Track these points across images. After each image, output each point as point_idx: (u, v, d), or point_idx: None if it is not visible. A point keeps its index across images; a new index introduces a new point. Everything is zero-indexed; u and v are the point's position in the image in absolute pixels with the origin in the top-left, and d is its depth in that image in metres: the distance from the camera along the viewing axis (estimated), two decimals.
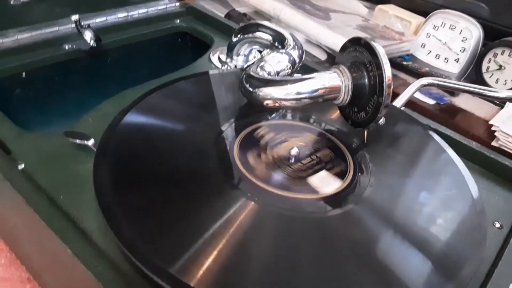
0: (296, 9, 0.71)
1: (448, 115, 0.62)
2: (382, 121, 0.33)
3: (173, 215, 0.28)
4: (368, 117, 0.33)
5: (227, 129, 0.35)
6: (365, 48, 0.32)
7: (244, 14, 0.75)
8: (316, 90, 0.33)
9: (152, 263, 0.25)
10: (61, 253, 0.27)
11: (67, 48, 0.45)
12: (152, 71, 0.44)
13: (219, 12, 0.74)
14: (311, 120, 0.38)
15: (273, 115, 0.38)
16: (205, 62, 0.46)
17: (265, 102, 0.33)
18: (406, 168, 0.35)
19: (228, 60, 0.45)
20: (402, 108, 0.42)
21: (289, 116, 0.38)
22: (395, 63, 0.71)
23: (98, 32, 0.45)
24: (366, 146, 0.35)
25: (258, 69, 0.35)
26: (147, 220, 0.28)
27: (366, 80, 0.32)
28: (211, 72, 0.42)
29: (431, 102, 0.63)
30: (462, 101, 0.63)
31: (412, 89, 0.42)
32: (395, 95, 0.44)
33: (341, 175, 0.33)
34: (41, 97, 0.44)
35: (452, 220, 0.30)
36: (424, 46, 0.72)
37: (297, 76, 0.34)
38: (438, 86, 0.42)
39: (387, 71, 0.31)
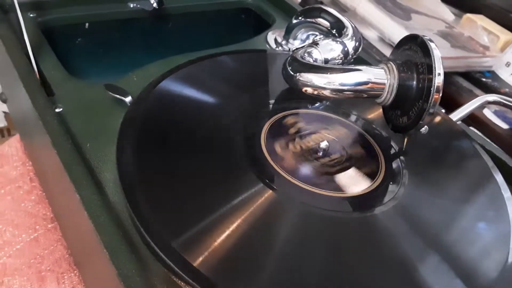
0: (375, 4, 0.67)
1: None
2: (424, 129, 0.30)
3: (187, 188, 0.28)
4: (409, 122, 0.30)
5: (261, 111, 0.34)
6: (420, 48, 0.29)
7: (321, 2, 0.73)
8: (360, 84, 0.31)
9: (155, 231, 0.24)
10: (72, 198, 0.28)
11: (131, 6, 0.46)
12: (209, 42, 0.43)
13: None
14: (351, 116, 0.36)
15: (315, 105, 0.36)
16: (260, 41, 0.45)
17: (304, 89, 0.32)
18: (443, 186, 0.32)
19: (284, 42, 0.43)
20: (458, 123, 0.38)
21: (329, 108, 0.36)
22: (473, 78, 0.65)
23: None
24: (404, 154, 0.33)
25: (306, 54, 0.34)
26: (161, 187, 0.28)
27: (414, 82, 0.29)
28: (261, 50, 0.41)
29: (504, 126, 0.58)
30: None
31: (475, 104, 0.39)
32: (457, 107, 0.41)
33: (369, 178, 0.31)
34: (99, 49, 0.46)
35: (478, 251, 0.27)
36: (509, 65, 0.66)
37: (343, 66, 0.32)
38: (505, 105, 0.38)
39: (439, 76, 0.28)
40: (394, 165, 0.32)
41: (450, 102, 0.59)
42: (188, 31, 0.49)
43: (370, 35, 0.67)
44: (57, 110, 0.34)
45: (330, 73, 0.31)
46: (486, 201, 0.32)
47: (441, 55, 0.49)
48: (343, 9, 0.70)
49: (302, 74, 0.31)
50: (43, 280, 0.34)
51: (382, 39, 0.65)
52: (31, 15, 0.42)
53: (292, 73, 0.32)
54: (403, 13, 0.69)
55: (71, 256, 0.36)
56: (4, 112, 0.80)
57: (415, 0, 0.75)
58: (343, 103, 0.36)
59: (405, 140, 0.32)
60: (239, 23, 0.53)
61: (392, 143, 0.34)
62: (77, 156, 0.30)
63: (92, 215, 0.26)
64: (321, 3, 0.73)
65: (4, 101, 0.44)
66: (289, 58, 0.33)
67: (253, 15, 0.52)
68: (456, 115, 0.38)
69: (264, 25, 0.49)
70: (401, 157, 0.33)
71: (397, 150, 0.33)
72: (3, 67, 0.42)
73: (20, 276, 0.34)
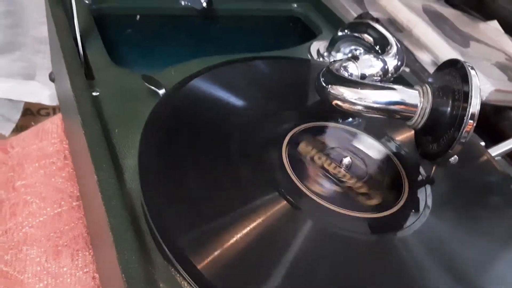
0: (433, 27, 0.65)
1: None
2: (454, 159, 0.29)
3: (202, 191, 0.28)
4: (438, 150, 0.29)
5: (287, 119, 0.34)
6: (459, 73, 0.28)
7: (377, 20, 0.71)
8: (391, 103, 0.30)
9: (165, 230, 0.25)
10: (91, 179, 0.29)
11: (183, 3, 0.47)
12: (254, 47, 0.44)
13: (353, 11, 0.71)
14: (380, 136, 0.35)
15: (345, 120, 0.36)
16: (303, 50, 0.44)
17: (334, 102, 0.31)
18: (469, 226, 0.30)
19: (326, 54, 0.43)
20: (497, 158, 0.36)
21: (358, 125, 0.35)
22: None
23: None
24: (431, 183, 0.31)
25: (341, 67, 0.33)
26: (176, 185, 0.28)
27: (449, 109, 0.28)
28: (297, 59, 0.41)
29: None
30: None
31: None
32: (499, 141, 0.39)
33: (390, 203, 0.30)
34: (146, 42, 0.47)
35: None
36: None
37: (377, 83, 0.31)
38: None
39: (474, 105, 0.26)
40: (418, 193, 0.31)
41: (501, 137, 0.56)
42: (235, 34, 0.50)
43: (424, 58, 0.65)
44: (94, 93, 0.35)
45: (362, 89, 0.30)
46: None
47: (496, 88, 0.47)
48: (399, 29, 0.69)
49: (334, 86, 0.31)
50: (58, 254, 0.35)
51: (435, 63, 0.63)
52: (86, 1, 0.44)
53: (324, 85, 0.32)
54: (461, 39, 0.66)
55: (88, 235, 0.37)
56: None
57: (476, 28, 0.72)
58: (374, 121, 0.35)
59: (433, 168, 0.31)
60: (286, 31, 0.53)
61: (420, 170, 0.33)
62: (103, 139, 0.31)
63: (105, 197, 0.27)
64: (378, 21, 0.71)
65: (53, 80, 0.47)
66: (323, 70, 0.33)
67: (301, 24, 0.52)
68: (496, 150, 0.36)
69: (310, 35, 0.49)
70: (428, 186, 0.31)
71: (424, 178, 0.32)
72: (53, 48, 0.44)
73: (38, 247, 0.35)
